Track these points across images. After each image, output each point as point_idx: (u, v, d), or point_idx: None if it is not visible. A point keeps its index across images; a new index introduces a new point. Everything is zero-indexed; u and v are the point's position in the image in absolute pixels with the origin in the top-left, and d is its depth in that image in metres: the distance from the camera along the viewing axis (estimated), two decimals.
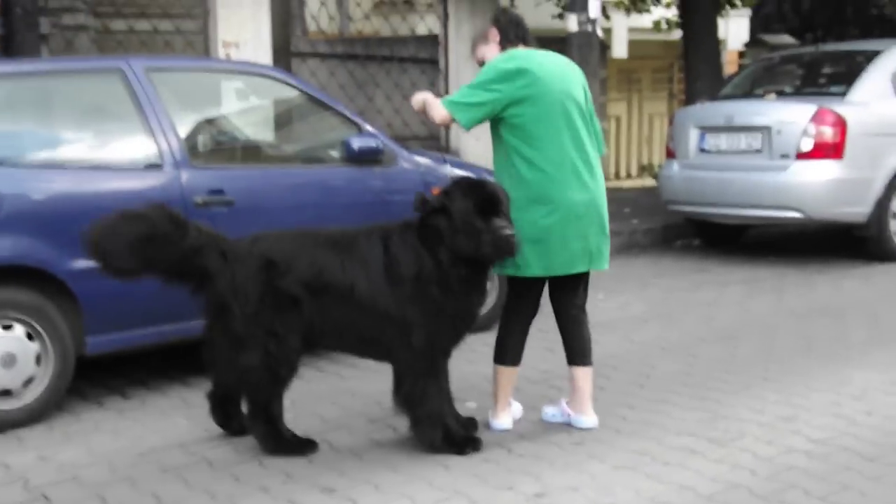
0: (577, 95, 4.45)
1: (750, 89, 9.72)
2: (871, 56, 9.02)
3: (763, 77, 10.01)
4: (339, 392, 5.24)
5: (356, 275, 4.21)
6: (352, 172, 5.88)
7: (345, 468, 4.18)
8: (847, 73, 9.09)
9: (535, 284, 4.51)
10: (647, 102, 14.14)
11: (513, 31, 4.59)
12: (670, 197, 9.39)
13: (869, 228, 8.54)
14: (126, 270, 4.16)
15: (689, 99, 11.75)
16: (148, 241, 4.09)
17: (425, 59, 10.95)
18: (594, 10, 9.63)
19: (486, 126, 4.52)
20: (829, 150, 8.34)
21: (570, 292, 4.57)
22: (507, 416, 4.61)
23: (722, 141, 8.95)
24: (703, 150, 9.09)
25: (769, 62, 10.58)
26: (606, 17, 12.61)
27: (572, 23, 9.63)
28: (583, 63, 9.70)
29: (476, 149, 10.39)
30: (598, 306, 7.15)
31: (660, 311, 7.03)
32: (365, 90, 10.87)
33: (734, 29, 17.34)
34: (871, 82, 8.76)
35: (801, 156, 8.38)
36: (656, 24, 14.30)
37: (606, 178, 4.78)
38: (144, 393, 5.33)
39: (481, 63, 4.60)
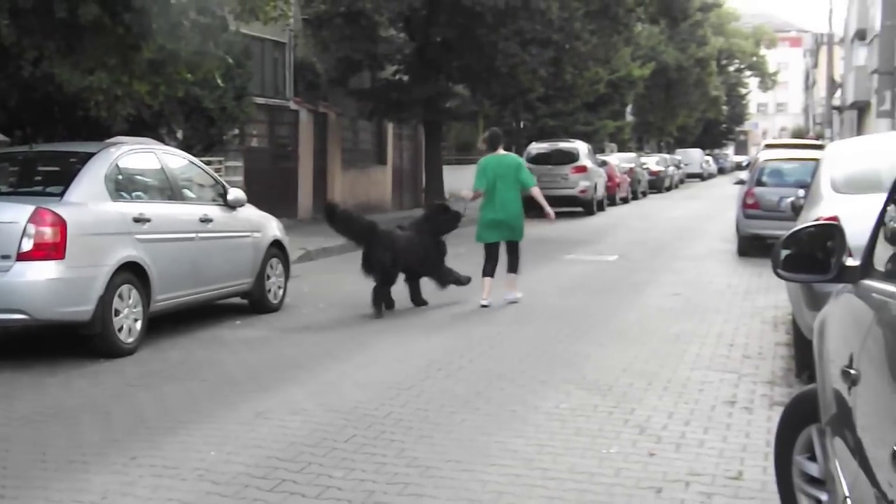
0: (506, 173, 11.68)
1: None
2: (85, 158, 9.26)
3: None
4: None
5: (421, 242, 11.58)
6: None
7: None
8: (63, 173, 9.23)
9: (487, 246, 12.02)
10: None
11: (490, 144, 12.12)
12: None
13: (94, 326, 8.62)
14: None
15: None
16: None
17: None
18: None
19: None
20: (49, 249, 8.33)
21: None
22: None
23: None
24: None
25: None
26: None
27: None
28: None
29: None
30: None
31: None
32: None
33: None
34: (86, 183, 8.98)
35: (22, 256, 8.27)
36: None
37: None
38: None
39: None
